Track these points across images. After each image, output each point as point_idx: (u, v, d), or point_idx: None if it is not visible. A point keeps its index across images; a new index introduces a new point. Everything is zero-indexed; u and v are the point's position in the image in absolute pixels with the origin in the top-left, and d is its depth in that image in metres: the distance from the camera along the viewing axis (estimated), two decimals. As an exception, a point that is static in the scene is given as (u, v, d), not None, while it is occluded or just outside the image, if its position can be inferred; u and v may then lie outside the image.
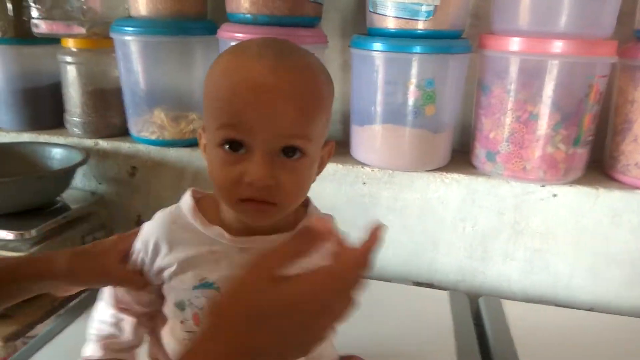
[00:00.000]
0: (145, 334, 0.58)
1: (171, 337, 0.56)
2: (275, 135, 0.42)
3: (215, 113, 0.44)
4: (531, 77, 0.84)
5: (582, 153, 0.90)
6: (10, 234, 0.84)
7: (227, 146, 0.43)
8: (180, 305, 0.53)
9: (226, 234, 0.50)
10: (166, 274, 0.52)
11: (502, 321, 0.86)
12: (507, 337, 0.81)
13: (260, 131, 0.42)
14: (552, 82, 0.83)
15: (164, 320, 0.56)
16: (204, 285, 0.51)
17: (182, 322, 0.54)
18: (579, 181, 0.91)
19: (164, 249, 0.51)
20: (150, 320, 0.57)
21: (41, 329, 0.79)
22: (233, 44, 0.89)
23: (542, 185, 0.90)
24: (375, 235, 0.38)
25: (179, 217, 0.52)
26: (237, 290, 0.34)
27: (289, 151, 0.43)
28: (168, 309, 0.55)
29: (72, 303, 0.85)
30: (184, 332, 0.54)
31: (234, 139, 0.43)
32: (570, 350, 0.79)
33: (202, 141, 0.50)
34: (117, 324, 0.56)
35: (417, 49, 0.85)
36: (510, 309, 0.89)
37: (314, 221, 0.42)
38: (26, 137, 1.14)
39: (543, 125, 0.85)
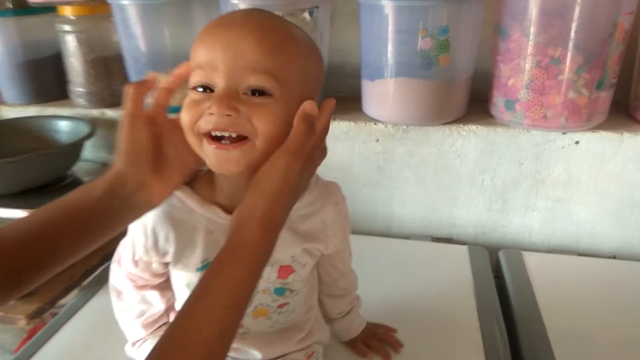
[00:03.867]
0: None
1: None
2: (238, 68, 0.42)
3: (192, 61, 0.45)
4: (552, 17, 0.79)
5: (605, 97, 0.85)
6: (24, 213, 0.81)
7: (199, 88, 0.43)
8: (190, 287, 0.53)
9: (222, 213, 0.49)
10: (169, 256, 0.52)
11: (523, 273, 0.85)
12: (528, 288, 0.81)
13: (223, 65, 0.42)
14: (575, 22, 0.77)
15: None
16: (207, 266, 0.50)
17: None
18: (602, 126, 0.87)
19: (162, 233, 0.50)
20: (170, 288, 0.58)
21: (62, 304, 0.80)
22: (234, 1, 0.86)
23: (564, 133, 0.87)
24: (328, 105, 0.48)
25: (175, 198, 0.50)
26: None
27: (256, 92, 0.42)
28: (180, 290, 0.55)
29: (90, 277, 0.85)
30: None
31: (203, 82, 0.43)
32: (593, 299, 0.79)
33: None
34: (143, 300, 0.59)
35: (429, -6, 0.80)
36: (532, 260, 0.88)
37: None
38: (32, 110, 1.13)
39: (565, 69, 0.81)
